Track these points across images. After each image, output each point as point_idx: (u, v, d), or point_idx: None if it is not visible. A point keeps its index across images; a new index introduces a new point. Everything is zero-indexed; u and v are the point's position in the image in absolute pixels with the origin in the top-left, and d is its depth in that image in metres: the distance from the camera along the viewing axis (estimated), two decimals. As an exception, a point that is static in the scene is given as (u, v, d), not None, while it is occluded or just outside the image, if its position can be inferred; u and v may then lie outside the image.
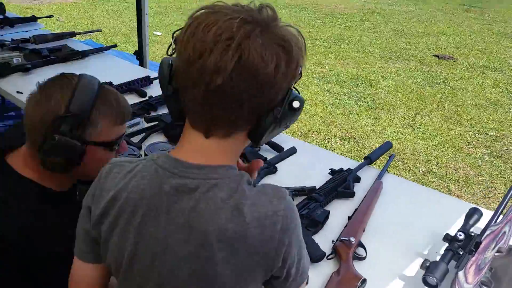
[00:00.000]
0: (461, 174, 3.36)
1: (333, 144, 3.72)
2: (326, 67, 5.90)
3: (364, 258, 1.19)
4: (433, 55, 6.66)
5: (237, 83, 0.66)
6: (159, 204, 0.73)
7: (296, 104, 0.73)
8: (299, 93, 0.75)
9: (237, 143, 0.76)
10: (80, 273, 0.87)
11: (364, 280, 1.08)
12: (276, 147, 1.77)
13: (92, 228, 0.80)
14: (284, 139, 1.90)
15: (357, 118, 4.28)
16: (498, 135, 4.07)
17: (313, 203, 1.36)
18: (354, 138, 3.82)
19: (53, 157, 0.99)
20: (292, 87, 0.74)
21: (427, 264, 1.06)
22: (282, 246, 0.71)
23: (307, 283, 1.10)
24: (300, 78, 0.75)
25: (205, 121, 0.72)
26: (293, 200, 1.41)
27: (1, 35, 2.84)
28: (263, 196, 0.72)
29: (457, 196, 3.04)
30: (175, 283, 0.74)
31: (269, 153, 1.75)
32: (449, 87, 5.32)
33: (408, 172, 3.37)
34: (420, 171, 3.35)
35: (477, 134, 4.08)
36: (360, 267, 1.15)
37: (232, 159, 0.78)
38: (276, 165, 1.64)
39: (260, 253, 0.70)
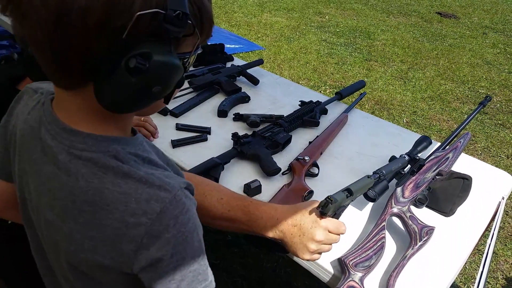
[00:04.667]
0: (445, 126, 3.42)
1: (322, 91, 3.76)
2: (326, 17, 5.84)
3: (316, 175, 1.28)
4: (436, 13, 6.57)
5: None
6: (33, 150, 0.68)
7: (132, 63, 0.51)
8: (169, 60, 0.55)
9: (90, 100, 0.58)
10: None
11: (311, 192, 1.18)
12: (252, 79, 1.82)
13: (4, 149, 0.79)
14: (262, 73, 1.96)
15: (349, 69, 4.30)
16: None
17: (277, 128, 1.44)
18: (343, 87, 3.86)
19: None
20: (126, 42, 0.52)
21: (369, 180, 1.14)
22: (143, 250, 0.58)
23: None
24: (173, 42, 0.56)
25: (42, 65, 0.58)
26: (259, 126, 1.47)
27: None
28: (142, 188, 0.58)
29: (437, 147, 3.12)
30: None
31: (245, 85, 1.82)
32: (447, 45, 5.29)
33: (392, 122, 3.43)
34: (404, 121, 3.41)
35: (467, 91, 4.11)
36: (311, 183, 1.24)
37: (104, 127, 0.63)
38: (250, 96, 1.70)
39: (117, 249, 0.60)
